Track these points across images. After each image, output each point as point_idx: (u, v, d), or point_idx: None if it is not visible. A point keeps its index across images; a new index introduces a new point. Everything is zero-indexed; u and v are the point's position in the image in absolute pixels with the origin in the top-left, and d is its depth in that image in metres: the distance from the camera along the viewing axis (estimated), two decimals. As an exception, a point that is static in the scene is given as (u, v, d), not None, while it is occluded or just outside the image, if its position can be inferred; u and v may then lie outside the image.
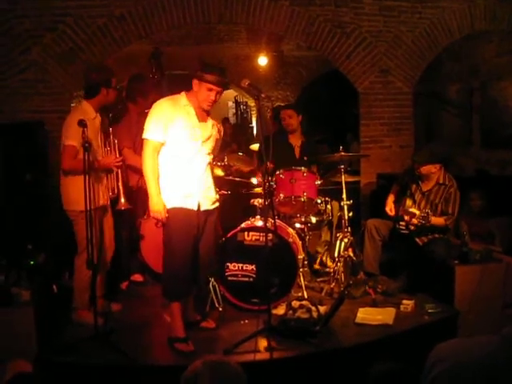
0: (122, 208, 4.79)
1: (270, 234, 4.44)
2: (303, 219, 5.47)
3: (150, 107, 4.31)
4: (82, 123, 4.14)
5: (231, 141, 11.20)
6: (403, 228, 5.32)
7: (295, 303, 4.82)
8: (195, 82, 4.17)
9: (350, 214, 5.49)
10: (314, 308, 4.70)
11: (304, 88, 13.31)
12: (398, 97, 7.36)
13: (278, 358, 4.07)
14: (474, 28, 7.38)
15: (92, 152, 4.33)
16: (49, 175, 5.44)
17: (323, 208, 5.52)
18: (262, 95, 4.45)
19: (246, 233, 4.99)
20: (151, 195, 4.13)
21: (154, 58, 5.62)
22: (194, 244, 4.24)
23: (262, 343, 4.19)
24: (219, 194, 5.25)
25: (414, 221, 5.07)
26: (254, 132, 14.38)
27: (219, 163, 5.92)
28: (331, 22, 6.98)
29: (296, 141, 6.22)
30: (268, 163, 4.50)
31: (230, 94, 15.77)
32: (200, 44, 10.81)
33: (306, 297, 5.04)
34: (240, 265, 4.97)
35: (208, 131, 4.32)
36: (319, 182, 5.46)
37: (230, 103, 17.87)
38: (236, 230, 5.04)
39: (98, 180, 4.61)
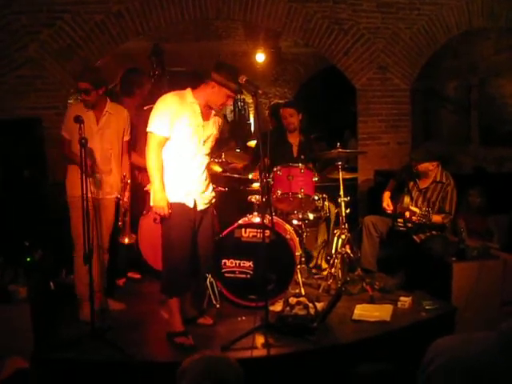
0: (126, 241, 4.80)
1: (267, 231, 4.44)
2: (300, 216, 5.48)
3: (147, 101, 4.29)
4: (78, 119, 4.15)
5: (229, 137, 11.18)
6: (401, 225, 5.33)
7: (292, 300, 4.82)
8: (213, 85, 4.13)
9: (348, 211, 5.48)
10: (311, 305, 4.70)
11: (302, 85, 13.30)
12: (395, 94, 7.36)
13: (276, 354, 4.07)
14: (471, 25, 7.37)
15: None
16: (46, 172, 5.44)
17: (320, 205, 5.52)
18: (259, 91, 4.44)
19: (243, 229, 4.98)
20: (155, 191, 4.11)
21: (155, 54, 5.60)
22: (192, 240, 4.25)
23: (260, 340, 4.19)
24: (216, 191, 5.25)
25: (414, 218, 5.07)
26: (252, 129, 14.35)
27: (216, 160, 5.92)
28: (329, 19, 6.97)
29: (294, 139, 6.20)
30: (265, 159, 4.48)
31: (228, 90, 15.73)
32: (198, 41, 10.79)
33: (303, 293, 5.04)
34: (237, 261, 4.96)
35: (209, 130, 4.31)
36: (316, 179, 5.46)
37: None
38: (233, 227, 5.04)
39: (97, 175, 4.64)
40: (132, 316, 4.88)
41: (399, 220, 5.32)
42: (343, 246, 5.38)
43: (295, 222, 5.58)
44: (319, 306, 4.71)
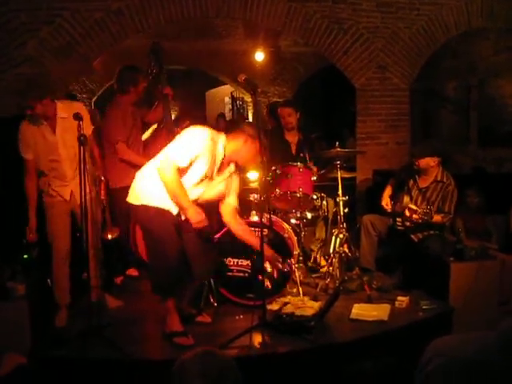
0: (109, 237, 4.77)
1: (265, 230, 4.43)
2: (299, 215, 5.48)
3: (142, 99, 4.24)
4: (77, 116, 4.15)
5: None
6: (400, 224, 5.33)
7: (290, 299, 4.84)
8: (238, 136, 4.17)
9: (346, 210, 5.47)
10: (308, 303, 4.72)
11: (301, 84, 13.30)
12: (395, 93, 7.37)
13: (273, 353, 4.06)
14: (470, 25, 7.39)
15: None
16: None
17: (319, 204, 5.53)
18: (259, 90, 4.44)
19: (241, 228, 4.97)
20: (187, 208, 4.04)
21: (153, 52, 5.60)
22: (178, 240, 4.20)
23: (257, 338, 4.18)
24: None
25: (416, 217, 5.07)
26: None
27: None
28: (328, 18, 6.98)
29: (292, 138, 6.20)
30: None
31: (227, 89, 15.74)
32: (197, 39, 10.80)
33: (301, 292, 5.05)
34: (235, 260, 4.96)
35: (217, 182, 4.29)
36: (315, 178, 5.46)
37: (227, 99, 17.84)
38: (231, 226, 5.02)
39: (65, 181, 4.63)
40: (130, 314, 4.88)
41: (398, 219, 5.33)
42: (341, 245, 5.37)
43: (293, 221, 5.58)
44: (317, 304, 4.72)
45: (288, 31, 7.22)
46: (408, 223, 5.26)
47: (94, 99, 12.14)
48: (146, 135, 5.70)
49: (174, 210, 4.16)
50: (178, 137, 4.21)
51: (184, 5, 6.50)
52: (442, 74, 10.33)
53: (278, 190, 5.34)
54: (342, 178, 5.53)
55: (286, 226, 5.37)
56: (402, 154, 7.24)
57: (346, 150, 6.21)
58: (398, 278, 5.37)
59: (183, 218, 4.12)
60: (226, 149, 4.19)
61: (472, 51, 9.86)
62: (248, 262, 4.94)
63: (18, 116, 5.59)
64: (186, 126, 4.56)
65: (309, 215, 5.52)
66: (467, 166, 9.08)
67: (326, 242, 5.88)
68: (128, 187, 5.38)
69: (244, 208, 5.37)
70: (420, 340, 1.60)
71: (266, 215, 4.61)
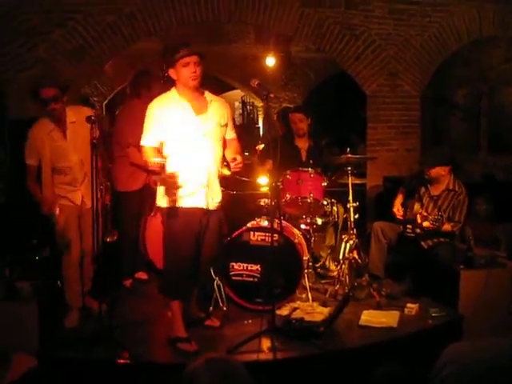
0: (108, 240, 4.78)
1: (275, 235, 4.43)
2: (309, 220, 5.47)
3: None
4: (90, 119, 4.16)
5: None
6: (410, 231, 5.32)
7: (300, 304, 4.83)
8: (171, 72, 4.08)
9: (356, 216, 5.46)
10: (318, 309, 4.71)
11: (311, 90, 13.31)
12: (405, 100, 7.36)
13: (282, 358, 4.06)
14: (482, 33, 7.38)
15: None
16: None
17: (329, 210, 5.52)
18: (271, 95, 4.42)
19: (251, 233, 4.99)
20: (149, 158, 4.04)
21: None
22: (196, 243, 4.21)
23: (266, 343, 4.18)
24: (224, 194, 5.25)
25: (427, 223, 5.06)
26: (261, 133, 14.36)
27: (225, 162, 5.91)
28: (340, 24, 6.99)
29: (303, 144, 6.20)
30: (270, 163, 4.47)
31: (237, 94, 15.77)
32: (209, 43, 10.82)
33: (310, 298, 5.05)
34: (245, 265, 4.96)
35: (209, 123, 4.18)
36: (326, 184, 5.45)
37: (237, 104, 17.86)
38: (242, 230, 5.04)
39: (75, 185, 4.65)
40: (138, 317, 4.90)
41: (408, 226, 5.31)
42: (351, 251, 5.35)
43: (303, 226, 5.57)
44: (326, 310, 4.71)
45: (300, 37, 7.23)
46: (418, 230, 5.24)
47: (105, 102, 12.17)
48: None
49: (200, 203, 4.15)
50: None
51: (196, 8, 6.52)
52: (453, 82, 10.31)
53: (288, 196, 5.34)
54: (353, 184, 5.52)
55: (296, 231, 5.38)
56: (412, 160, 7.22)
57: (357, 156, 6.19)
58: (407, 286, 5.35)
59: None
60: (183, 93, 4.14)
61: (483, 59, 9.83)
62: (257, 266, 4.94)
63: (30, 119, 5.65)
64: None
65: (319, 221, 5.51)
66: (477, 174, 9.05)
67: (335, 248, 5.87)
68: (137, 191, 5.44)
69: (255, 213, 5.39)
70: (429, 347, 1.59)
71: (277, 220, 4.61)
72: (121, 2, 6.31)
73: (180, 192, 4.09)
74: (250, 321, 4.73)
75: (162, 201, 4.18)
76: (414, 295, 5.18)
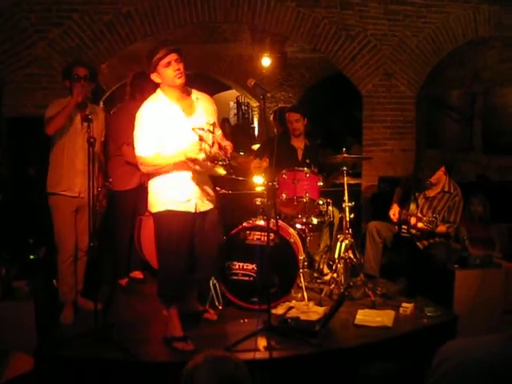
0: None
1: (271, 234, 4.45)
2: (304, 220, 5.48)
3: None
4: (87, 118, 4.19)
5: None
6: (405, 232, 5.34)
7: (295, 303, 4.85)
8: (155, 76, 4.00)
9: (352, 216, 5.48)
10: (313, 308, 4.73)
11: (307, 90, 13.34)
12: (401, 100, 7.38)
13: (278, 357, 4.08)
14: (477, 33, 7.40)
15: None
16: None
17: (325, 209, 5.54)
18: (268, 95, 4.43)
19: (247, 232, 5.01)
20: (173, 160, 3.99)
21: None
22: (190, 246, 4.20)
23: (262, 342, 4.20)
24: (220, 194, 5.27)
25: (421, 225, 5.09)
26: (256, 133, 14.39)
27: (220, 162, 5.90)
28: (336, 25, 7.00)
29: (299, 143, 6.22)
30: (264, 161, 4.47)
31: (232, 94, 15.80)
32: (205, 43, 10.84)
33: (305, 297, 5.07)
34: (241, 264, 4.98)
35: (199, 123, 4.11)
36: (321, 184, 5.47)
37: (232, 103, 17.89)
38: (238, 229, 5.06)
39: (75, 170, 4.65)
40: (134, 316, 4.92)
41: (403, 227, 5.33)
42: (346, 251, 5.36)
43: (299, 226, 5.59)
44: (321, 310, 4.73)
45: (296, 37, 7.25)
46: (413, 231, 5.27)
47: (100, 101, 12.19)
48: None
49: (191, 207, 4.13)
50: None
51: (193, 9, 6.52)
52: (448, 83, 10.34)
53: (284, 195, 5.35)
54: (348, 184, 5.54)
55: (291, 230, 5.40)
56: (408, 160, 7.26)
57: (353, 156, 6.21)
58: (402, 285, 5.39)
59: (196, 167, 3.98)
60: (170, 94, 4.07)
61: (477, 60, 9.87)
62: (253, 266, 4.96)
63: (25, 116, 5.66)
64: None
65: (314, 220, 5.52)
66: (471, 174, 9.10)
67: (331, 248, 5.88)
68: (132, 190, 5.45)
69: (250, 212, 5.41)
70: (424, 346, 1.61)
71: (273, 220, 4.63)
72: (118, 1, 6.31)
73: (173, 195, 4.08)
74: (245, 320, 4.74)
75: (153, 206, 4.16)
76: (409, 295, 5.22)
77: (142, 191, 5.35)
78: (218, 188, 5.17)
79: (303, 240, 5.55)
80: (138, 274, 5.84)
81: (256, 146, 7.94)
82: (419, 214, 5.22)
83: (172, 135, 4.00)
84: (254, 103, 14.03)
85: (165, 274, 4.23)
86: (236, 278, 4.98)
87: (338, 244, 5.46)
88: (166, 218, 4.08)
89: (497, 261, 5.35)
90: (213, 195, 4.37)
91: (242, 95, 15.55)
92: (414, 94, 7.43)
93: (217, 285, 4.92)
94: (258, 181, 5.80)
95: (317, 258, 6.01)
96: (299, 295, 5.15)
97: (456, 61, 9.43)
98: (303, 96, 13.33)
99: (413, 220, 5.17)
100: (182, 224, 4.09)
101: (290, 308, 4.78)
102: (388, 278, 5.60)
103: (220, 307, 4.89)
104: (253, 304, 4.86)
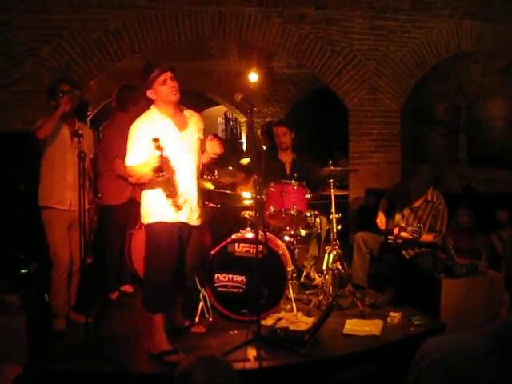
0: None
1: (260, 246, 4.50)
2: (292, 232, 5.54)
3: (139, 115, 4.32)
4: (77, 133, 4.27)
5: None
6: (391, 242, 5.41)
7: (284, 314, 4.90)
8: (150, 93, 4.12)
9: (339, 227, 5.54)
10: (302, 319, 4.77)
11: (293, 105, 13.44)
12: (386, 114, 7.51)
13: (267, 366, 4.10)
14: (460, 48, 7.55)
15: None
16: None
17: (312, 221, 5.61)
18: (255, 109, 4.51)
19: (236, 244, 5.05)
20: (142, 172, 4.07)
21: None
22: (177, 257, 4.24)
23: (252, 352, 4.23)
24: (208, 207, 5.32)
25: (405, 234, 5.17)
26: (244, 147, 14.46)
27: (209, 177, 5.97)
28: (322, 40, 7.13)
29: (287, 157, 6.29)
30: (255, 176, 4.53)
31: (220, 109, 15.86)
32: (192, 60, 10.91)
33: (294, 308, 5.12)
34: (230, 276, 5.02)
35: (190, 138, 4.26)
36: (309, 196, 5.54)
37: (220, 119, 17.95)
38: (226, 242, 5.10)
39: (65, 184, 4.69)
40: (125, 329, 4.92)
41: (390, 237, 5.40)
42: (334, 261, 5.41)
43: (287, 238, 5.64)
44: (310, 320, 4.78)
45: (282, 52, 7.37)
46: (400, 240, 5.34)
47: (89, 118, 12.21)
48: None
49: (178, 219, 4.20)
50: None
51: (181, 27, 6.63)
52: (432, 96, 10.48)
53: (272, 208, 5.42)
54: (335, 196, 5.61)
55: (280, 242, 5.45)
56: (393, 173, 7.36)
57: (339, 168, 6.29)
58: (390, 295, 5.44)
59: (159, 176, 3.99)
60: (163, 110, 4.19)
61: (461, 73, 10.02)
62: (242, 277, 5.00)
63: (15, 132, 5.70)
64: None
65: (302, 232, 5.59)
66: (456, 186, 9.21)
67: (318, 259, 5.94)
68: (122, 204, 5.49)
69: (239, 225, 5.46)
70: (412, 355, 1.66)
71: (261, 232, 4.68)
72: (106, 18, 6.41)
73: (164, 206, 4.14)
74: (235, 331, 4.77)
75: (145, 217, 4.24)
76: (397, 304, 5.27)
77: (132, 206, 5.41)
78: (206, 202, 5.22)
79: (291, 252, 5.59)
80: (128, 288, 5.86)
81: (244, 161, 8.00)
82: (403, 224, 5.30)
83: (165, 148, 4.04)
84: (242, 118, 14.11)
85: (151, 285, 4.26)
86: (225, 289, 5.02)
87: (326, 255, 5.52)
88: (157, 229, 4.15)
89: (482, 269, 5.43)
90: (202, 208, 4.44)
91: (229, 111, 15.62)
92: (399, 108, 7.55)
93: (206, 297, 4.96)
94: (246, 195, 5.86)
95: (307, 264, 6.06)
96: (288, 306, 5.18)
97: (440, 75, 9.57)
98: (290, 111, 13.42)
99: (395, 230, 5.25)
100: (172, 235, 4.16)
101: (280, 319, 4.82)
102: (375, 288, 5.64)
103: (210, 319, 4.93)
104: (242, 315, 4.89)
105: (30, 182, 5.38)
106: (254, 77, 12.09)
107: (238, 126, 15.74)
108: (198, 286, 4.93)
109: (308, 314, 5.00)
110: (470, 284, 5.07)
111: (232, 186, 6.17)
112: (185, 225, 4.24)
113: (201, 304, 4.95)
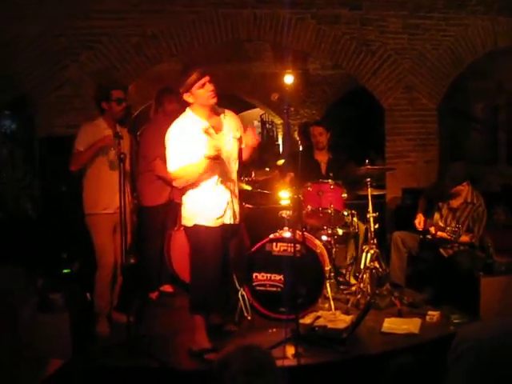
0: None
1: (297, 245, 4.53)
2: (330, 231, 5.56)
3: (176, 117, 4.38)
4: (118, 135, 4.37)
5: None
6: (430, 237, 5.38)
7: (322, 313, 4.92)
8: (187, 96, 4.16)
9: (376, 226, 5.54)
10: (340, 317, 4.78)
11: (329, 106, 13.41)
12: (422, 113, 7.46)
13: (306, 364, 4.14)
14: (497, 44, 7.47)
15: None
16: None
17: (349, 220, 5.62)
18: (291, 109, 4.54)
19: (274, 243, 5.09)
20: (197, 167, 4.10)
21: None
22: (222, 259, 4.31)
23: (290, 350, 4.27)
24: (245, 208, 5.38)
25: (443, 234, 5.14)
26: (281, 149, 14.46)
27: (246, 178, 6.01)
28: (357, 40, 7.14)
29: (323, 157, 6.33)
30: (290, 176, 4.56)
31: (256, 112, 15.88)
32: (228, 62, 10.98)
33: (332, 307, 5.14)
34: (268, 275, 5.06)
35: (227, 138, 4.30)
36: (346, 195, 5.56)
37: (256, 122, 17.97)
38: (264, 241, 5.14)
39: (111, 186, 4.69)
40: (165, 327, 5.02)
41: (427, 236, 5.38)
42: (372, 261, 5.42)
43: (324, 237, 5.67)
44: (348, 318, 4.79)
45: (317, 54, 7.40)
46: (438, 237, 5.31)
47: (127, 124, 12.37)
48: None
49: (227, 219, 4.28)
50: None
51: (216, 29, 6.71)
52: (471, 95, 10.37)
53: (309, 207, 5.45)
54: (372, 196, 5.62)
55: (317, 242, 5.48)
56: (431, 172, 7.31)
57: (376, 167, 6.29)
58: (428, 294, 5.41)
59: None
60: (200, 113, 4.24)
61: (500, 71, 9.89)
62: (280, 276, 5.04)
63: (58, 135, 5.85)
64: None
65: (340, 231, 5.60)
66: (495, 184, 9.09)
67: (356, 259, 5.95)
68: (161, 205, 5.57)
69: (276, 225, 5.50)
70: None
71: (299, 232, 4.71)
72: (144, 23, 6.53)
73: (206, 210, 4.21)
74: (274, 329, 4.82)
75: (188, 220, 4.29)
76: (436, 303, 5.24)
77: (171, 206, 5.51)
78: (243, 202, 5.27)
79: (329, 251, 5.62)
80: (167, 288, 5.95)
81: (281, 162, 8.04)
82: (441, 224, 5.27)
83: (202, 150, 4.09)
84: (278, 120, 14.11)
85: (198, 287, 4.31)
86: (263, 288, 5.06)
87: (364, 254, 5.53)
88: (201, 232, 4.21)
89: (522, 267, 5.37)
90: (241, 210, 4.51)
91: (266, 113, 15.63)
92: (436, 106, 7.50)
93: (245, 296, 5.01)
94: (283, 194, 5.90)
95: (344, 264, 6.08)
96: (326, 305, 5.21)
97: (478, 73, 9.46)
98: (326, 112, 13.38)
99: (432, 229, 5.23)
100: (216, 237, 4.22)
101: (318, 317, 4.83)
102: (414, 288, 5.62)
103: (248, 317, 4.99)
104: (280, 314, 4.93)
105: (71, 184, 5.53)
106: (289, 79, 12.07)
107: (274, 128, 15.72)
108: (237, 286, 4.99)
109: (346, 313, 5.00)
110: (509, 282, 5.01)
111: (268, 185, 6.20)
112: (227, 225, 4.31)
113: (240, 303, 5.00)
